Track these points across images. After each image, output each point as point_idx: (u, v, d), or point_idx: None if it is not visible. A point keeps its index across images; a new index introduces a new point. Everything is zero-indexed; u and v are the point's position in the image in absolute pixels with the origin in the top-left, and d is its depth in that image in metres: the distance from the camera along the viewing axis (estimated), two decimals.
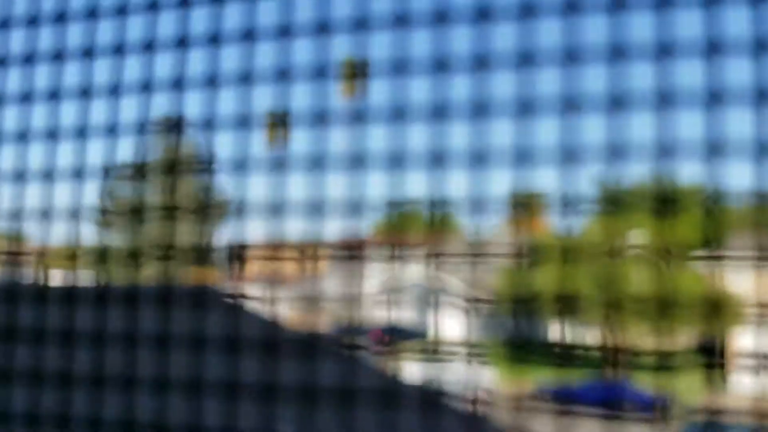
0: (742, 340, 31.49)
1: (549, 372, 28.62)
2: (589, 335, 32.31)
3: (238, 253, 37.28)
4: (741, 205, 41.79)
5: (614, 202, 48.42)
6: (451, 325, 32.91)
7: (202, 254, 45.79)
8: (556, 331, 32.91)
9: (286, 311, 35.27)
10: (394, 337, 31.38)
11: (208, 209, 50.26)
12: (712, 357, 33.72)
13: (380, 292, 35.81)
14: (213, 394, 4.57)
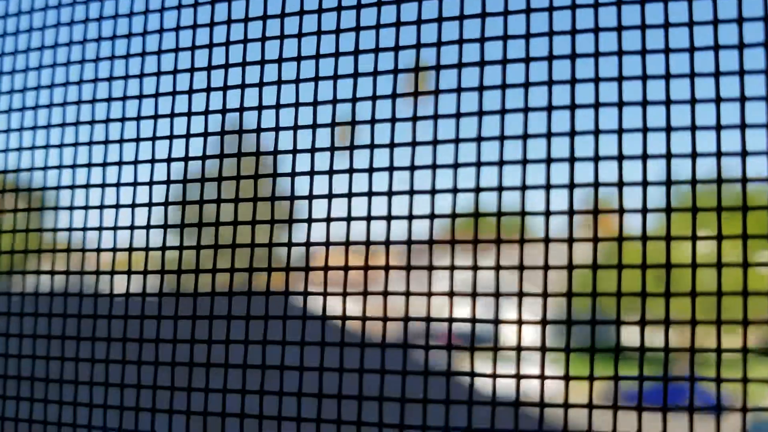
0: None
1: (619, 372, 31.44)
2: (659, 334, 51.88)
3: (303, 254, 71.82)
4: None
5: (687, 200, 49.72)
6: (523, 327, 46.27)
7: (264, 256, 70.89)
8: (627, 332, 43.89)
9: (352, 313, 53.94)
10: (465, 340, 34.83)
11: (281, 211, 74.86)
12: None
13: (451, 293, 54.83)
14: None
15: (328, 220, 2.22)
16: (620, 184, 2.71)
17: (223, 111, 1.92)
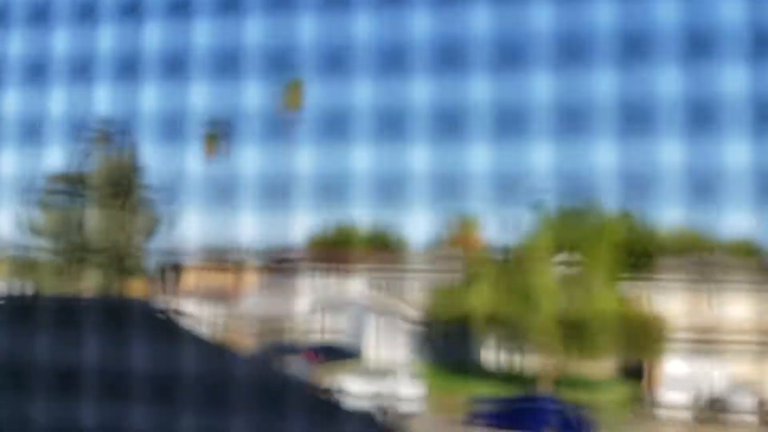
0: (668, 361, 29.30)
1: (481, 390, 26.66)
2: (520, 355, 32.00)
3: (172, 266, 41.83)
4: (670, 230, 37.79)
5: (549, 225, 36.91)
6: (387, 343, 32.02)
7: (135, 265, 38.63)
8: (489, 350, 31.58)
9: (216, 326, 36.08)
10: (329, 354, 29.90)
11: (143, 218, 38.52)
12: (638, 377, 30.50)
13: (314, 310, 35.25)
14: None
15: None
16: (487, 207, 33.95)
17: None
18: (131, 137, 42.52)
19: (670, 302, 32.94)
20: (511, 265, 28.03)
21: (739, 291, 32.01)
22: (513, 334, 27.48)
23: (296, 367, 24.83)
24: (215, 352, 6.33)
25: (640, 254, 41.90)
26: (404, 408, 23.36)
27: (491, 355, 33.82)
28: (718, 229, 43.85)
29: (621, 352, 29.58)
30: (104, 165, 40.60)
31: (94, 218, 39.36)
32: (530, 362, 31.83)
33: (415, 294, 35.97)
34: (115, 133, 40.43)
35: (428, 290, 34.33)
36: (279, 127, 44.59)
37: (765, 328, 29.15)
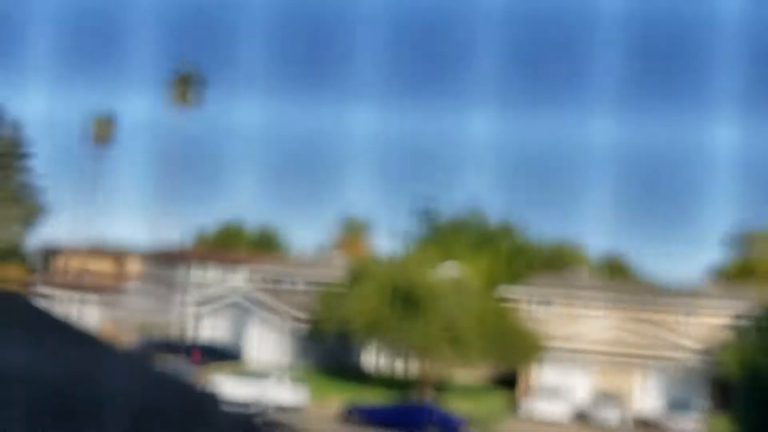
0: (540, 370, 30.00)
1: (359, 393, 26.87)
2: (400, 359, 32.72)
3: (50, 255, 42.98)
4: (546, 246, 39.92)
5: (434, 233, 42.94)
6: (268, 345, 31.52)
7: (11, 252, 40.93)
8: (369, 354, 31.90)
9: (96, 318, 35.77)
10: (210, 353, 29.35)
11: (21, 205, 40.58)
12: (511, 384, 30.99)
13: (199, 306, 34.18)
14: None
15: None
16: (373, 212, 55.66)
17: None
18: (11, 121, 42.97)
19: (545, 314, 34.25)
20: (396, 270, 28.02)
21: (603, 307, 33.58)
22: (394, 339, 27.57)
23: (175, 365, 24.08)
24: (88, 346, 6.10)
25: (519, 266, 45.89)
26: (282, 411, 23.21)
27: (372, 359, 34.19)
28: (590, 246, 49.07)
29: (496, 360, 30.05)
30: None
31: None
32: (410, 368, 32.31)
33: (299, 296, 35.77)
34: None
35: (312, 293, 34.16)
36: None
37: (628, 342, 30.54)
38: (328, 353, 32.65)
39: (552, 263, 45.64)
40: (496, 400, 30.10)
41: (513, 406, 29.52)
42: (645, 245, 72.76)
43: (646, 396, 29.94)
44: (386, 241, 52.08)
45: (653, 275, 45.07)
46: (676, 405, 28.93)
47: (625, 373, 30.09)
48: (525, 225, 48.22)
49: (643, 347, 30.23)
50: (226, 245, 55.42)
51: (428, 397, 26.03)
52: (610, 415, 27.77)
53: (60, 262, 48.83)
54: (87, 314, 37.73)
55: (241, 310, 33.73)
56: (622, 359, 30.03)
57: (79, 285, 41.50)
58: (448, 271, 31.96)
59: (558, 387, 29.12)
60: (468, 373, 33.52)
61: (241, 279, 41.82)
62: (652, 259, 79.56)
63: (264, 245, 57.86)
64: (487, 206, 46.20)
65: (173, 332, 35.74)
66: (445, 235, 47.99)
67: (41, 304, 6.85)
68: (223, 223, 59.28)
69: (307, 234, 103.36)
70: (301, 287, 38.35)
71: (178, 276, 42.65)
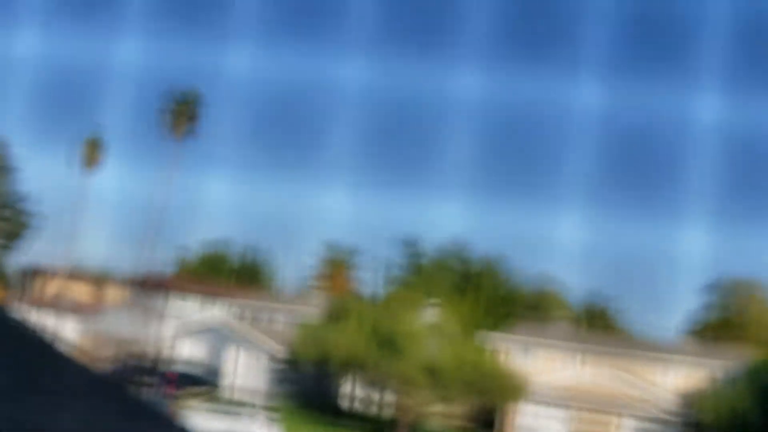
0: (518, 411, 29.95)
1: (336, 430, 27.19)
2: (378, 396, 32.67)
3: (30, 275, 42.71)
4: (530, 291, 39.82)
5: (417, 272, 41.61)
6: (246, 375, 31.74)
7: None
8: (347, 390, 31.83)
9: (76, 340, 34.98)
10: (186, 382, 29.50)
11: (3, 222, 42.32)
12: (489, 425, 31.13)
13: (178, 334, 35.12)
14: None
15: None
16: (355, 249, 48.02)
17: None
18: None
19: (524, 361, 34.12)
20: (378, 308, 28.44)
21: (582, 358, 33.88)
22: (373, 377, 27.78)
23: (151, 392, 24.52)
24: (64, 366, 6.08)
25: (502, 308, 45.90)
26: None
27: (350, 396, 34.08)
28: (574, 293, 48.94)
29: (475, 401, 30.26)
30: None
31: None
32: (387, 404, 32.25)
33: (278, 329, 36.15)
34: None
35: (293, 326, 34.30)
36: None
37: (606, 388, 30.84)
38: (304, 386, 32.70)
39: (533, 308, 45.63)
40: None
41: None
42: (626, 292, 70.65)
43: None
44: (369, 275, 51.52)
45: (632, 325, 45.72)
46: None
47: (603, 417, 30.33)
48: (507, 266, 47.87)
49: (620, 394, 30.57)
50: (209, 274, 55.43)
51: None
52: None
53: (39, 283, 48.54)
54: (64, 330, 37.13)
55: (220, 338, 34.05)
56: (599, 405, 30.33)
57: (57, 305, 41.44)
58: (429, 313, 32.04)
59: (536, 429, 29.35)
60: (446, 413, 33.18)
61: (220, 309, 42.04)
62: (633, 307, 76.07)
63: (246, 276, 57.84)
64: (470, 245, 45.82)
65: (150, 357, 35.66)
66: (427, 274, 47.83)
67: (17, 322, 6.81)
68: (207, 248, 59.27)
69: (289, 264, 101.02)
70: (281, 321, 38.68)
71: (157, 303, 42.60)
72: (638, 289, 74.46)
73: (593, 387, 30.98)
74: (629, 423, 30.21)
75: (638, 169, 65.53)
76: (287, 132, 73.22)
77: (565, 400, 30.52)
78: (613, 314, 51.14)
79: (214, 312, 41.87)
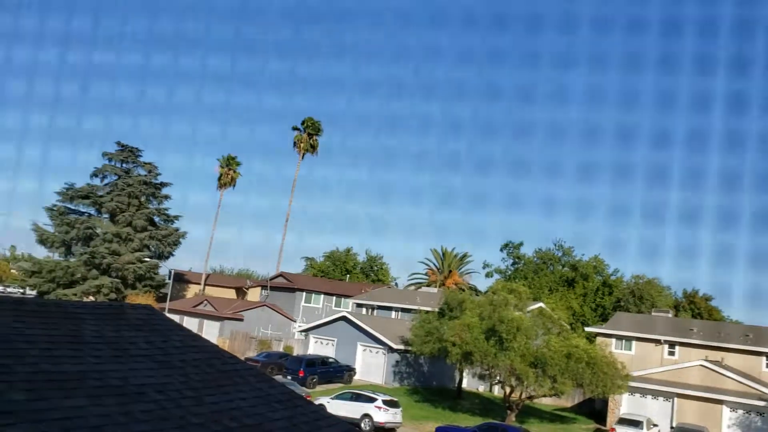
0: (624, 401, 31.37)
1: (451, 415, 28.66)
2: (491, 385, 35.19)
3: (177, 282, 48.79)
4: (632, 283, 42.51)
5: (526, 269, 48.31)
6: (369, 365, 34.80)
7: (146, 278, 45.95)
8: (461, 379, 34.04)
9: (218, 339, 38.69)
10: (319, 373, 32.16)
11: (157, 235, 46.05)
12: (595, 413, 32.94)
13: (307, 329, 37.86)
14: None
15: None
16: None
17: None
18: (148, 163, 49.01)
19: (630, 348, 35.62)
20: (488, 305, 29.78)
21: (686, 347, 34.49)
22: (484, 366, 29.01)
23: (287, 381, 26.05)
24: (223, 361, 7.24)
25: (605, 303, 47.61)
26: (381, 431, 24.77)
27: (464, 384, 35.95)
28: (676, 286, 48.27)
29: (579, 391, 30.96)
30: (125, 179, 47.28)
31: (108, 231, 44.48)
32: (500, 392, 33.86)
33: (400, 323, 38.59)
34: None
35: (411, 320, 36.23)
36: None
37: (712, 378, 31.16)
38: (423, 373, 35.45)
39: (636, 300, 46.53)
40: (580, 428, 31.11)
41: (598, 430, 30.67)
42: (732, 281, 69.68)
43: (730, 431, 30.09)
44: (481, 274, 53.65)
45: (735, 313, 44.66)
46: None
47: (705, 407, 30.45)
48: (611, 262, 47.89)
49: (722, 383, 30.71)
50: (333, 273, 59.75)
51: (512, 420, 27.45)
52: None
53: (184, 289, 53.26)
54: (207, 330, 41.55)
55: (347, 333, 36.38)
56: (701, 394, 30.46)
57: (200, 308, 44.71)
58: (536, 307, 33.66)
59: (641, 417, 29.34)
60: (551, 402, 34.96)
61: (347, 305, 45.96)
62: (738, 298, 75.07)
63: (370, 273, 61.16)
64: (576, 243, 47.39)
65: (284, 351, 38.39)
66: (535, 271, 50.58)
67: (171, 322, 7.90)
68: (332, 252, 62.91)
69: (407, 264, 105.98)
70: (402, 315, 42.06)
71: (288, 302, 46.88)
72: (740, 279, 73.22)
73: (695, 376, 31.20)
74: (731, 413, 30.11)
75: None
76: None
77: (668, 389, 30.88)
78: (714, 303, 51.02)
79: (342, 308, 45.46)
